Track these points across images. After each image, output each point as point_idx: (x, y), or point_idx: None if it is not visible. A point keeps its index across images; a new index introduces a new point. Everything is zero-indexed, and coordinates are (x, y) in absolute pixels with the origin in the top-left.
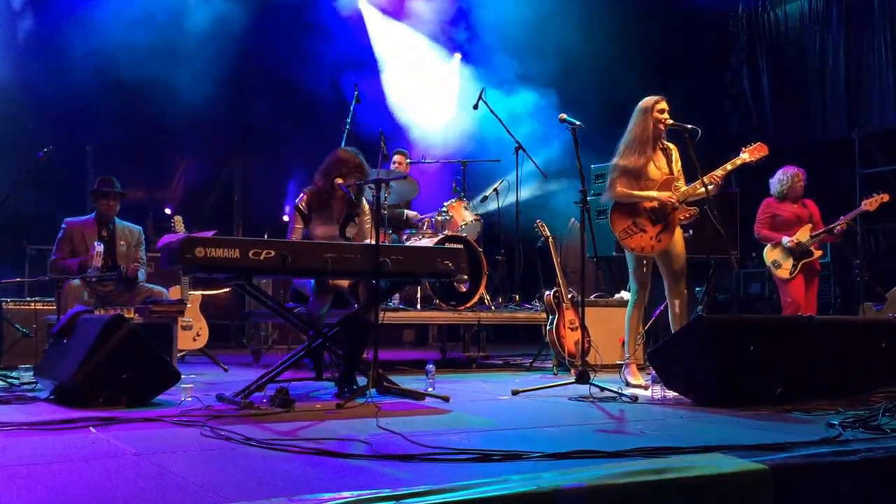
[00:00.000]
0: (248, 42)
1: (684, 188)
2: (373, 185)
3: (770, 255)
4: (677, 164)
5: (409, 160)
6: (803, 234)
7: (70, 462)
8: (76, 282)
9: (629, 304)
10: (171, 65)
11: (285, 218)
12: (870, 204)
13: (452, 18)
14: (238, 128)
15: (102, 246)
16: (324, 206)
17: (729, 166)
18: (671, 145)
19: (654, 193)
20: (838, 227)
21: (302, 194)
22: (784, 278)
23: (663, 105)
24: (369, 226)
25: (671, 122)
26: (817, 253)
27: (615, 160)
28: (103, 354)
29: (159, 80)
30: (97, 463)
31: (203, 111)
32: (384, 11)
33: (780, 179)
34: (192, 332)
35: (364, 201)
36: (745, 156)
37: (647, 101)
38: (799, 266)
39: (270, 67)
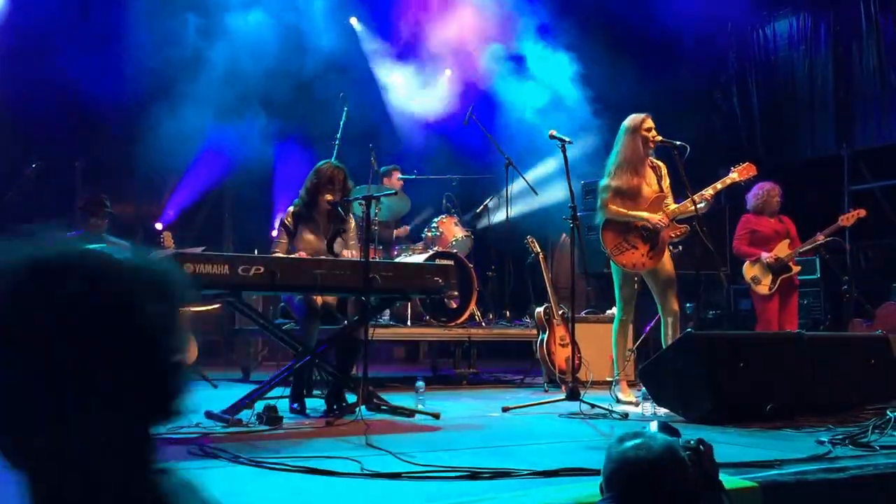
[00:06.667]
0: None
1: (673, 206)
2: (363, 202)
3: (749, 271)
4: (666, 182)
5: (400, 176)
6: (782, 250)
7: None
8: None
9: (615, 321)
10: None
11: (274, 233)
12: (846, 219)
13: None
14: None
15: None
16: (309, 220)
17: (719, 185)
18: (660, 163)
19: (645, 214)
20: (818, 240)
21: (288, 209)
22: (764, 294)
23: (650, 123)
24: (355, 241)
25: (660, 138)
26: (796, 268)
27: (607, 181)
28: None
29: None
30: None
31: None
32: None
33: (756, 194)
34: None
35: (351, 216)
36: (735, 175)
37: (634, 120)
38: (778, 282)
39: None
